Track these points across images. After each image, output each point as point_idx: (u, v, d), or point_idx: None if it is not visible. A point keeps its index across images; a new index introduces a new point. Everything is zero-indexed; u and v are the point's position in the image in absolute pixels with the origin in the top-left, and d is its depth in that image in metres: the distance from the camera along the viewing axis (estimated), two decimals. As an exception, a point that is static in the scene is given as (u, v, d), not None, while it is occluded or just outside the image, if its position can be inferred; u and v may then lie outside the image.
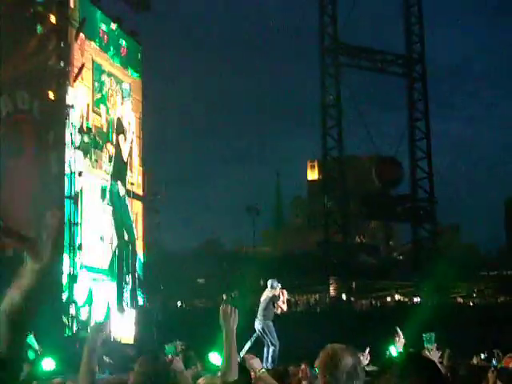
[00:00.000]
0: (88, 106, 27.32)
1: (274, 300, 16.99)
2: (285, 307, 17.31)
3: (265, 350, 16.96)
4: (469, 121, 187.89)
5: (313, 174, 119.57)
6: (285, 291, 17.53)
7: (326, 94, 56.33)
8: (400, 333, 6.17)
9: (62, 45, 26.01)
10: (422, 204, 57.47)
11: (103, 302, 26.93)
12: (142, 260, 31.18)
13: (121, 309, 28.69)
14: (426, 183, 57.53)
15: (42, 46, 25.83)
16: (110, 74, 29.69)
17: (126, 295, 29.37)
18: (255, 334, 17.45)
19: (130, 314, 29.84)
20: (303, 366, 9.50)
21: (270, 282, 17.30)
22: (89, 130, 26.92)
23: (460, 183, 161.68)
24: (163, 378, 4.84)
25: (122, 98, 30.70)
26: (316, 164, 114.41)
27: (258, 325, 17.04)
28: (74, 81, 26.25)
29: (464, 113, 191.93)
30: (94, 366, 5.14)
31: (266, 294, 17.10)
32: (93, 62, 28.03)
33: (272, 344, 16.85)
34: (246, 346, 17.19)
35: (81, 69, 26.33)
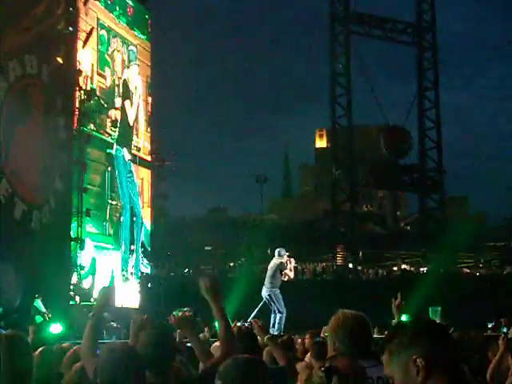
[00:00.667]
0: (92, 67, 26.72)
1: (281, 268, 17.06)
2: (292, 275, 17.38)
3: (272, 316, 17.04)
4: (479, 92, 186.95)
5: (321, 143, 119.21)
6: (292, 259, 17.59)
7: (335, 63, 56.09)
8: (399, 299, 6.16)
9: (70, 9, 25.87)
10: (430, 174, 57.38)
11: (107, 270, 26.88)
12: (148, 228, 30.94)
13: (125, 278, 28.63)
14: (435, 153, 57.39)
15: (50, 11, 25.73)
16: (115, 35, 28.90)
17: (131, 264, 29.24)
18: (262, 301, 17.54)
19: (136, 283, 29.90)
20: (308, 337, 9.48)
21: (277, 251, 17.40)
22: (93, 91, 26.41)
23: (469, 154, 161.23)
24: (166, 346, 4.86)
25: (129, 60, 30.16)
26: (324, 133, 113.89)
27: (265, 292, 17.12)
28: (84, 46, 26.13)
29: (474, 84, 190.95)
30: (99, 330, 5.13)
31: (274, 262, 17.18)
32: (98, 21, 27.33)
33: (279, 311, 16.93)
34: (254, 313, 17.28)
35: (90, 33, 26.19)
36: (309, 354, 8.21)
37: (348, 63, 55.62)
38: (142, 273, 29.92)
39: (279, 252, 17.28)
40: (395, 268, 53.83)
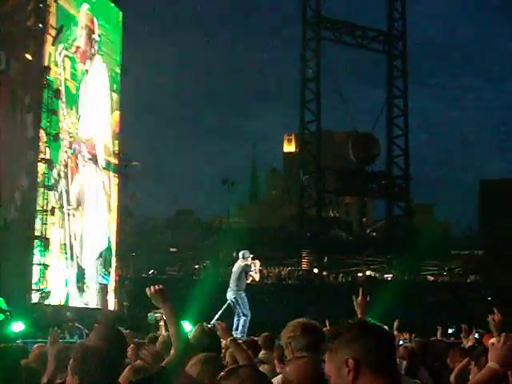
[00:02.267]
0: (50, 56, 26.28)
1: (245, 270, 17.05)
2: (257, 277, 17.38)
3: (235, 319, 17.02)
4: (447, 100, 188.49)
5: (290, 147, 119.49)
6: (257, 261, 17.59)
7: (305, 68, 56.17)
8: (361, 296, 6.07)
9: (40, 5, 25.69)
10: (397, 181, 57.67)
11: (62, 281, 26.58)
12: (109, 236, 30.74)
13: (80, 288, 28.16)
14: (402, 161, 57.70)
15: (20, 7, 25.53)
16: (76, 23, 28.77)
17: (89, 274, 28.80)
18: (227, 303, 17.50)
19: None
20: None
21: (241, 253, 17.39)
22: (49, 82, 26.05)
23: (436, 162, 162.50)
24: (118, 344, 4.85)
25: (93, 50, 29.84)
26: (293, 137, 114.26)
27: (230, 295, 17.09)
28: (53, 43, 25.97)
29: (442, 92, 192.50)
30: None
31: (238, 264, 17.16)
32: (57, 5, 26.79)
33: (243, 314, 16.91)
34: (217, 315, 17.26)
35: (60, 30, 26.04)
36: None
37: (318, 69, 55.72)
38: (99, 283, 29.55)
39: (243, 254, 17.28)
40: (360, 274, 54.04)
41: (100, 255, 29.85)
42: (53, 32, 25.89)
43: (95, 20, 30.07)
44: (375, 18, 63.57)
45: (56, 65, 26.54)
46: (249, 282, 17.35)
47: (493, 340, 4.49)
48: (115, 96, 31.86)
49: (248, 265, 17.09)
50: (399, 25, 58.75)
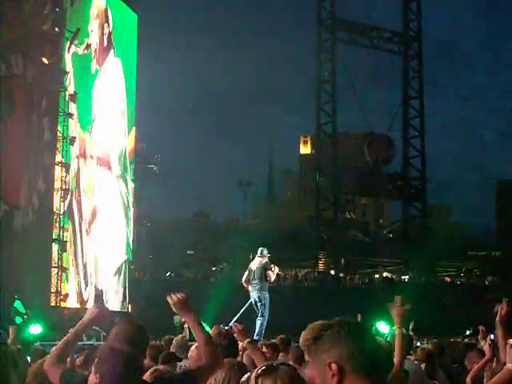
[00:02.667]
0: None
1: (266, 266, 16.84)
2: (273, 277, 17.18)
3: (259, 319, 16.85)
4: (462, 101, 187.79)
5: (306, 149, 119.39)
6: (276, 267, 17.45)
7: (321, 69, 56.15)
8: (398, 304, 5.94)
9: (56, 10, 25.81)
10: (413, 182, 57.53)
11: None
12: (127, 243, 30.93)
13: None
14: (418, 162, 57.56)
15: (36, 11, 25.63)
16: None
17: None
18: (247, 303, 17.28)
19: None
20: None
21: (260, 249, 17.14)
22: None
23: (452, 163, 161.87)
24: (139, 340, 4.88)
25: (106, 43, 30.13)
26: (309, 139, 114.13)
27: (254, 294, 16.87)
28: (69, 47, 26.08)
29: (456, 92, 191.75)
30: (72, 345, 5.11)
31: (259, 261, 16.94)
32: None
33: (262, 315, 16.77)
34: (236, 316, 17.12)
35: (76, 34, 26.16)
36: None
37: (334, 70, 55.68)
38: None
39: (262, 251, 17.08)
40: (377, 275, 53.93)
41: (118, 270, 30.01)
42: (69, 36, 26.01)
43: (109, 10, 30.14)
44: (390, 19, 63.49)
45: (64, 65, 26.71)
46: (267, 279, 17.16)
47: (511, 341, 4.44)
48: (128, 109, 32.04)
49: (268, 262, 16.93)
50: (414, 26, 58.64)
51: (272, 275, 17.00)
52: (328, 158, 56.12)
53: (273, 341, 9.08)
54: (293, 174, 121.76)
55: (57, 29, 25.70)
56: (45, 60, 25.24)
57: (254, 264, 16.97)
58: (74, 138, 25.96)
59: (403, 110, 58.04)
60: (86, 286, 27.15)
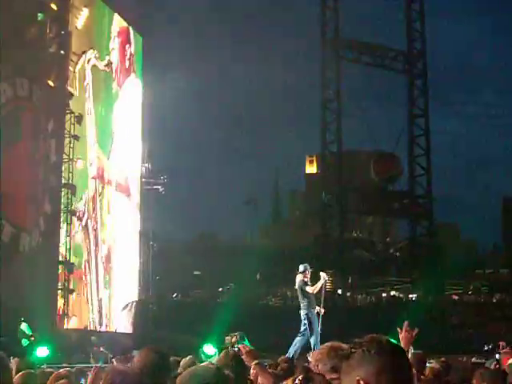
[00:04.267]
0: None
1: (301, 287, 16.78)
2: (310, 289, 16.92)
3: (296, 337, 16.60)
4: (468, 119, 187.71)
5: (312, 169, 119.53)
6: (321, 273, 17.20)
7: (326, 89, 56.27)
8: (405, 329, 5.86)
9: (62, 32, 25.94)
10: (420, 201, 57.47)
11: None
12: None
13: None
14: (424, 180, 57.53)
15: (42, 33, 25.76)
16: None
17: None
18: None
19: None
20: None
21: (300, 267, 17.11)
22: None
23: (458, 181, 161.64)
24: (163, 370, 4.85)
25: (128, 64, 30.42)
26: (315, 159, 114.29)
27: (302, 313, 16.79)
28: (75, 68, 26.23)
29: (462, 110, 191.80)
30: None
31: (297, 281, 16.91)
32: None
33: (303, 334, 16.54)
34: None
35: (82, 55, 26.34)
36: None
37: (338, 89, 55.80)
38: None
39: (299, 268, 17.04)
40: (384, 294, 53.81)
41: (127, 306, 30.17)
42: (75, 58, 26.17)
43: (131, 30, 30.54)
44: (394, 38, 63.59)
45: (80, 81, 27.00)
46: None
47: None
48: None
49: (301, 280, 16.82)
50: (419, 44, 58.80)
51: (310, 290, 16.77)
52: (334, 177, 56.13)
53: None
54: (299, 193, 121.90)
55: (62, 51, 25.83)
56: (50, 83, 25.34)
57: (296, 282, 16.98)
58: (79, 159, 26.06)
59: (409, 129, 58.09)
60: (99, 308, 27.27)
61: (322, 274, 17.06)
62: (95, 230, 27.54)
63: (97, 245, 27.58)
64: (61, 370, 7.16)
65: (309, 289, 16.70)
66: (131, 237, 31.11)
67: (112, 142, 29.30)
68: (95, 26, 28.51)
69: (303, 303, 16.74)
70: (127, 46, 30.65)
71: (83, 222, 26.60)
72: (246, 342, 16.78)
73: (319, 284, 16.97)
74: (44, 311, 23.37)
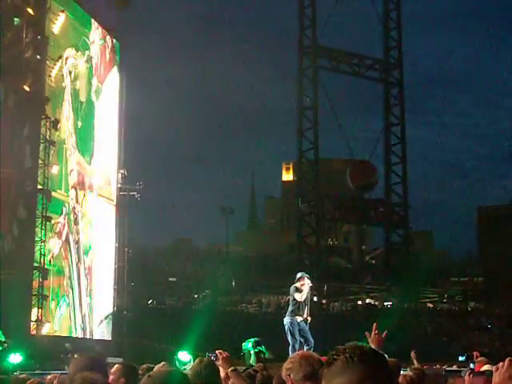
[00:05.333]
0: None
1: (292, 292, 16.74)
2: (298, 296, 16.84)
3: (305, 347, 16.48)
4: (443, 127, 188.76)
5: (288, 176, 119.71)
6: (306, 279, 17.11)
7: (302, 96, 56.39)
8: (373, 332, 5.92)
9: (38, 37, 25.80)
10: (396, 209, 57.69)
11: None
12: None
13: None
14: (400, 188, 57.78)
15: (18, 38, 25.61)
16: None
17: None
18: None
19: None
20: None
21: (297, 274, 17.07)
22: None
23: (434, 189, 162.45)
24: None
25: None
26: (291, 166, 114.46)
27: (284, 320, 16.75)
28: (51, 74, 26.10)
29: (437, 119, 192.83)
30: None
31: (291, 288, 16.89)
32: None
33: (290, 341, 16.39)
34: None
35: (58, 61, 26.20)
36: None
37: (315, 97, 55.96)
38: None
39: (295, 277, 17.00)
40: (360, 302, 53.89)
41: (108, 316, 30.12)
42: (51, 63, 26.03)
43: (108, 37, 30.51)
44: (372, 46, 63.91)
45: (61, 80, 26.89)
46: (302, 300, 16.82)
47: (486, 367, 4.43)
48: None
49: (295, 286, 16.77)
50: (395, 53, 59.10)
51: (297, 296, 16.68)
52: (310, 184, 56.25)
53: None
54: (275, 200, 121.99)
55: (39, 56, 25.69)
56: (26, 87, 25.20)
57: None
58: (55, 164, 25.92)
59: (385, 137, 58.36)
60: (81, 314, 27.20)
61: (307, 281, 17.01)
62: (77, 242, 27.46)
63: (78, 254, 27.49)
64: (33, 379, 7.09)
65: (297, 295, 16.65)
66: (111, 243, 31.00)
67: (93, 146, 29.23)
68: (72, 30, 28.37)
69: (288, 310, 16.72)
70: (108, 37, 30.80)
71: (63, 237, 26.49)
72: (263, 349, 16.80)
73: (305, 291, 16.91)
74: (18, 317, 23.19)
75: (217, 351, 6.48)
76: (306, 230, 56.14)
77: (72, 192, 27.45)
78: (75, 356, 21.41)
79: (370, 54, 59.87)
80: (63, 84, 27.19)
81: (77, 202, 27.74)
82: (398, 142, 58.22)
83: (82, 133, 28.45)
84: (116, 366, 5.53)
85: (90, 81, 29.55)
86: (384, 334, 5.75)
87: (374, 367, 2.79)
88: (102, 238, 29.90)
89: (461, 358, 26.15)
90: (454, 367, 17.21)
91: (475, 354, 11.07)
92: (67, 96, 27.48)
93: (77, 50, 28.48)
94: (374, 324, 5.72)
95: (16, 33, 25.79)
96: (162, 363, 9.11)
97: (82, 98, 28.83)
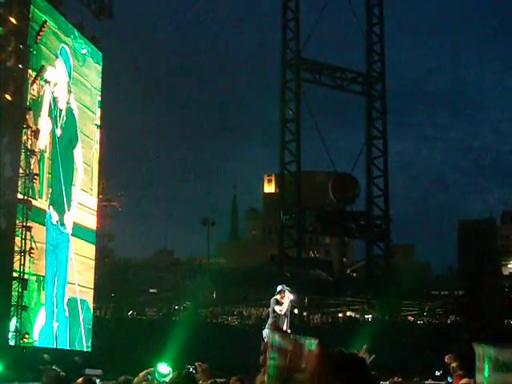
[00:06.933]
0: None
1: (272, 305, 16.68)
2: (278, 309, 16.74)
3: None
4: (424, 141, 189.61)
5: (270, 188, 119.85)
6: (287, 292, 17.02)
7: (285, 109, 56.47)
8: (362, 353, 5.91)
9: (21, 46, 25.71)
10: (377, 221, 57.80)
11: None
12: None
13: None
14: (381, 201, 57.91)
15: (0, 47, 25.50)
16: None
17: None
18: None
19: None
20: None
21: (278, 287, 17.01)
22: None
23: (415, 202, 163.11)
24: None
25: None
26: (273, 178, 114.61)
27: (264, 332, 16.66)
28: (33, 84, 25.99)
29: (419, 132, 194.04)
30: None
31: (271, 300, 16.83)
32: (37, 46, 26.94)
33: None
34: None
35: (40, 70, 26.10)
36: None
37: (298, 110, 56.05)
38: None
39: (277, 289, 16.92)
40: (340, 314, 53.87)
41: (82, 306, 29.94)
42: (33, 72, 25.94)
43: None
44: (355, 60, 64.18)
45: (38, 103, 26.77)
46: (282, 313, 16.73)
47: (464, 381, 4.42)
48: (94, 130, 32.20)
49: (276, 299, 16.68)
50: (378, 67, 59.33)
51: (277, 309, 16.58)
52: (292, 196, 56.27)
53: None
54: (257, 212, 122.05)
55: (20, 65, 25.59)
56: (8, 96, 25.08)
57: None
58: (37, 174, 25.77)
59: (367, 150, 58.51)
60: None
61: (287, 294, 16.92)
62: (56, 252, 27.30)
63: (58, 264, 27.37)
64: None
65: (277, 308, 16.56)
66: (91, 254, 30.87)
67: (74, 155, 29.27)
68: (55, 39, 28.29)
69: (268, 322, 16.64)
70: (90, 46, 31.04)
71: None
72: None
73: (286, 304, 16.81)
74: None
75: (196, 363, 6.45)
76: (288, 242, 56.12)
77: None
78: (53, 368, 21.29)
79: (352, 68, 60.09)
80: (43, 93, 27.08)
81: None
82: (380, 155, 58.41)
83: (62, 141, 28.34)
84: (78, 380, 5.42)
85: (70, 90, 29.46)
86: (372, 356, 5.76)
87: (352, 376, 2.84)
88: (82, 248, 29.76)
89: (437, 373, 26.15)
90: (430, 381, 17.24)
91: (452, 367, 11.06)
92: (46, 105, 27.37)
93: (58, 59, 28.42)
94: (364, 347, 5.74)
95: (-2, 41, 25.70)
96: (143, 372, 9.02)
97: (62, 106, 28.72)
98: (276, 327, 16.25)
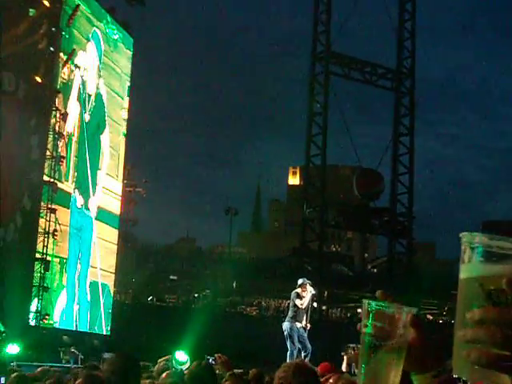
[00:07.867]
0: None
1: (293, 298, 16.66)
2: (299, 303, 16.69)
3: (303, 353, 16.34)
4: (450, 139, 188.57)
5: (294, 180, 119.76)
6: (308, 286, 16.96)
7: (313, 102, 56.31)
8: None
9: (52, 29, 25.84)
10: (400, 219, 57.58)
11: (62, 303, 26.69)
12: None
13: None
14: (406, 198, 57.66)
15: (32, 29, 25.65)
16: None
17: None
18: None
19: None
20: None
21: (299, 281, 16.99)
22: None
23: (438, 201, 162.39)
24: (133, 376, 4.80)
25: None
26: (298, 170, 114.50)
27: (283, 325, 16.63)
28: (64, 66, 26.13)
29: (444, 130, 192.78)
30: None
31: (292, 294, 16.80)
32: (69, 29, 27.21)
33: (290, 348, 16.25)
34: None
35: (71, 54, 26.22)
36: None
37: (326, 103, 55.85)
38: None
39: (298, 282, 16.90)
40: (359, 310, 53.82)
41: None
42: (64, 56, 26.07)
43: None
44: (385, 55, 63.87)
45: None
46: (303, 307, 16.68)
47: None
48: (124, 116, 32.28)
49: (296, 292, 16.65)
50: (408, 63, 59.00)
51: (298, 303, 16.52)
52: (316, 190, 56.16)
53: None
54: (280, 203, 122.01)
55: (52, 48, 25.72)
56: (38, 79, 25.23)
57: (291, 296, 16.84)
58: (63, 157, 25.93)
59: (393, 146, 58.23)
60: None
61: (309, 288, 16.89)
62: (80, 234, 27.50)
63: (81, 247, 27.59)
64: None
65: (298, 302, 16.52)
66: (113, 238, 31.00)
67: (101, 140, 29.42)
68: (86, 24, 28.40)
69: (288, 315, 16.62)
70: (122, 31, 31.15)
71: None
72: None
73: (307, 298, 16.77)
74: (17, 308, 23.21)
75: (216, 355, 6.47)
76: (310, 236, 56.04)
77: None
78: (72, 350, 21.46)
79: (383, 63, 59.80)
80: (73, 77, 27.23)
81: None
82: (406, 151, 58.11)
83: (90, 127, 28.51)
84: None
85: (99, 75, 29.58)
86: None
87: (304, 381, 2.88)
88: (105, 233, 29.93)
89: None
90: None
91: None
92: (76, 89, 27.52)
93: (90, 43, 28.55)
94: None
95: (31, 24, 25.85)
96: (163, 359, 9.08)
97: (91, 91, 28.85)
98: None
